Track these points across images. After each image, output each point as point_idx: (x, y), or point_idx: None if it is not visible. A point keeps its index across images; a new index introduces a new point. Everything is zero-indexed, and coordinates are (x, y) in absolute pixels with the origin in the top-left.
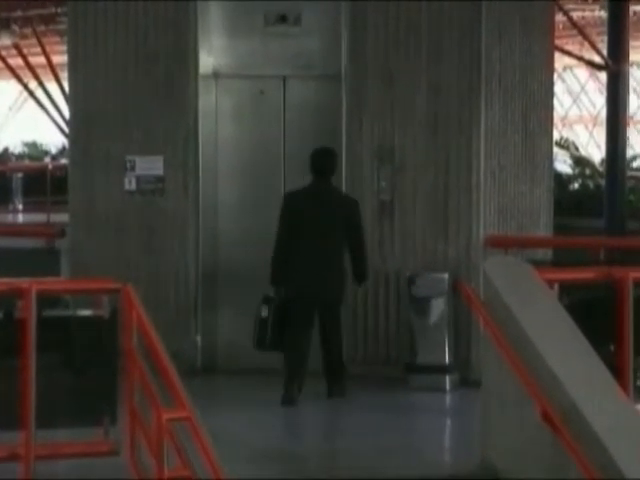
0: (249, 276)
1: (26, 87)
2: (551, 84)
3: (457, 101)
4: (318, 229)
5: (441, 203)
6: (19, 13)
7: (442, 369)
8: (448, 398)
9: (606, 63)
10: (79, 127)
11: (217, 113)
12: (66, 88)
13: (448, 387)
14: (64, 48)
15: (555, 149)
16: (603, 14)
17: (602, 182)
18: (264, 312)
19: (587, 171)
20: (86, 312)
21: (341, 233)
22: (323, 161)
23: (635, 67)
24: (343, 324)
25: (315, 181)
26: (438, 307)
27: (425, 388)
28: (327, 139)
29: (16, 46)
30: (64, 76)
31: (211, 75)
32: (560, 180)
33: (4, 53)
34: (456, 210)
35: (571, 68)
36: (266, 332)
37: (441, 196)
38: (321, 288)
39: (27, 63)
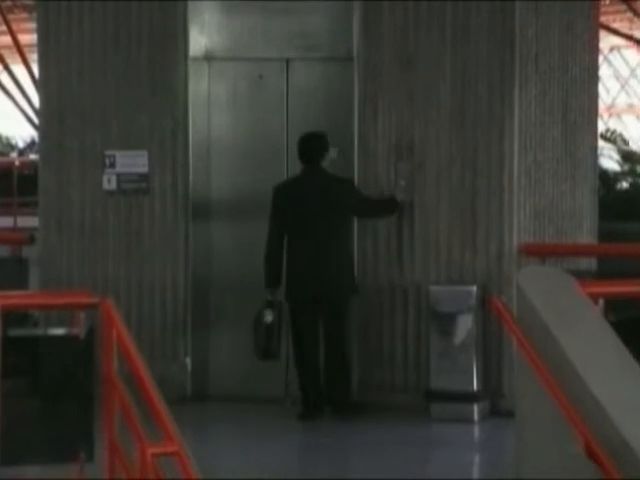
0: (247, 289)
1: None
2: (595, 67)
3: (487, 88)
4: (311, 221)
5: (468, 205)
6: None
7: (469, 397)
8: (476, 430)
9: None
10: (51, 118)
11: (210, 101)
12: (36, 72)
13: (476, 417)
14: (33, 26)
15: (600, 143)
16: None
17: None
18: (268, 317)
19: (637, 168)
20: (59, 331)
21: (339, 219)
22: (306, 146)
23: None
24: (354, 345)
25: (303, 169)
26: (464, 325)
27: (449, 418)
28: (336, 131)
29: None
30: (33, 58)
31: (203, 57)
32: (606, 178)
33: None
34: (485, 213)
35: (619, 49)
36: (272, 341)
37: (468, 197)
38: (317, 286)
39: None
